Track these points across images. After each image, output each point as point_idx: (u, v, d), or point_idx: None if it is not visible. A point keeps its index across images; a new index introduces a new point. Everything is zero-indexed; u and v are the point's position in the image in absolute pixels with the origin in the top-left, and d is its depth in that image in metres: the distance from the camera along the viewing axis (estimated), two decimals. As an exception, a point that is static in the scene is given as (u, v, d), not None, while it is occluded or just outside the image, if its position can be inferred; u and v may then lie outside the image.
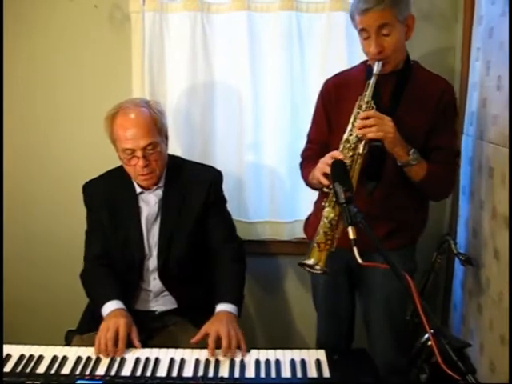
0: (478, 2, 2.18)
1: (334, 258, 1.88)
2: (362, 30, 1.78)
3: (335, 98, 1.98)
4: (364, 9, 1.72)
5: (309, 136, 2.12)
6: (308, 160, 2.04)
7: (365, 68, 1.91)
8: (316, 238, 1.75)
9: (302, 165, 2.11)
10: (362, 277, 2.05)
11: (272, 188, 2.57)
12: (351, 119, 1.79)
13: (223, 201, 2.14)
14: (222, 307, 1.85)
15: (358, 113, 1.77)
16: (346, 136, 1.79)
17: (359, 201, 1.81)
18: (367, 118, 1.73)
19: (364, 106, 1.77)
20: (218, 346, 1.69)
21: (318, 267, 1.71)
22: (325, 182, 1.73)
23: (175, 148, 2.38)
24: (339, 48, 2.38)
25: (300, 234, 2.59)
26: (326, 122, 2.01)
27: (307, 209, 2.55)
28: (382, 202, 1.90)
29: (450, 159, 1.90)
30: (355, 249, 1.35)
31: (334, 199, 1.60)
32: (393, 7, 1.71)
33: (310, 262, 1.71)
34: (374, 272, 1.93)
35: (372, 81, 1.77)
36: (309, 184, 2.00)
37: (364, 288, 2.08)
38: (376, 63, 1.77)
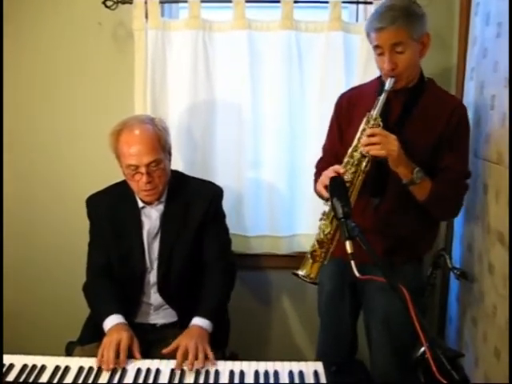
0: (472, 23, 2.23)
1: (341, 273, 1.91)
2: (376, 47, 1.81)
3: (347, 111, 2.00)
4: (378, 27, 1.76)
5: (323, 148, 2.16)
6: (320, 171, 2.02)
7: (378, 83, 1.93)
8: (310, 249, 1.80)
9: (315, 176, 2.12)
10: (363, 291, 2.08)
11: (271, 203, 2.60)
12: (357, 135, 1.82)
13: (222, 216, 2.17)
14: (196, 321, 1.88)
15: (365, 129, 1.80)
16: (350, 151, 1.82)
17: (363, 216, 1.86)
18: (373, 135, 1.75)
19: (371, 123, 1.80)
20: (186, 358, 1.71)
21: (309, 278, 1.78)
22: (325, 194, 1.76)
23: (177, 163, 2.40)
24: (337, 67, 2.42)
25: (297, 248, 2.63)
26: (339, 134, 2.04)
27: (305, 223, 2.60)
28: (384, 217, 1.91)
29: (457, 179, 1.88)
30: (353, 263, 1.38)
31: (332, 214, 1.65)
32: (407, 26, 1.74)
33: (302, 272, 1.79)
34: (373, 286, 1.96)
35: (382, 97, 1.80)
36: (317, 194, 1.99)
37: (364, 302, 2.10)
38: (388, 80, 1.80)
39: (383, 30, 1.75)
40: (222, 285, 2.05)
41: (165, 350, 1.77)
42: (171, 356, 1.74)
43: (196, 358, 1.71)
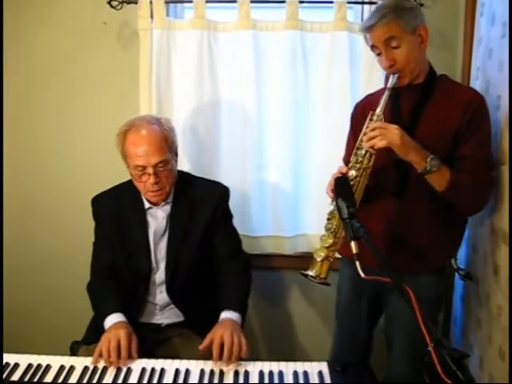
0: (477, 23, 2.23)
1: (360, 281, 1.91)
2: (373, 47, 1.81)
3: (362, 119, 1.95)
4: (369, 25, 1.76)
5: (343, 159, 2.13)
6: None
7: None
8: (317, 249, 1.78)
9: None
10: (385, 300, 2.05)
11: (275, 203, 2.59)
12: (361, 134, 1.82)
13: (229, 216, 2.17)
14: (226, 314, 1.86)
15: (367, 127, 1.79)
16: (355, 150, 1.82)
17: (381, 220, 1.86)
18: (374, 129, 1.74)
19: (374, 120, 1.79)
20: (221, 352, 1.69)
21: (319, 279, 1.75)
22: (331, 196, 1.78)
23: (182, 163, 2.41)
24: (342, 66, 2.42)
25: (302, 248, 2.64)
26: (354, 143, 1.98)
27: (309, 224, 2.60)
28: (405, 221, 1.88)
29: (477, 169, 1.78)
30: (358, 263, 1.38)
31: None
32: (396, 19, 1.73)
33: (312, 273, 1.76)
34: (396, 296, 1.94)
35: (385, 95, 1.78)
36: None
37: (387, 311, 2.07)
38: (391, 77, 1.79)
39: (374, 27, 1.76)
40: (242, 281, 2.05)
41: (201, 346, 1.73)
42: (203, 357, 1.73)
43: (230, 353, 1.69)
